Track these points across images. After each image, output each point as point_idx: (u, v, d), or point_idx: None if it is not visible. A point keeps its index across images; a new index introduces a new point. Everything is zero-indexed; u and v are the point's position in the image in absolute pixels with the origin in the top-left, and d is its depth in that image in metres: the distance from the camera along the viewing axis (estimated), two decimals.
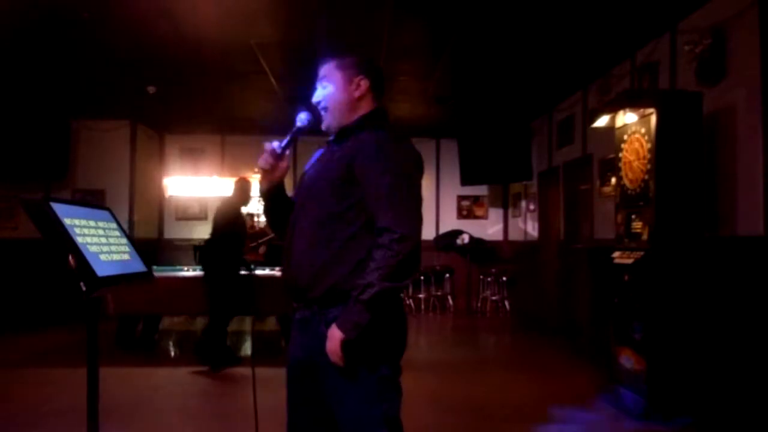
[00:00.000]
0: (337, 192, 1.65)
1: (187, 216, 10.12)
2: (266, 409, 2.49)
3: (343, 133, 1.76)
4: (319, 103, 1.80)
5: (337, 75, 1.78)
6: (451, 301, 9.47)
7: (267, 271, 6.29)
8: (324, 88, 1.80)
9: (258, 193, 1.87)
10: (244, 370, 5.39)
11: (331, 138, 1.82)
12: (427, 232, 9.87)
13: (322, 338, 1.60)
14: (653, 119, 3.94)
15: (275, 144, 1.77)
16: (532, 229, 8.77)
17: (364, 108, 1.78)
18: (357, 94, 1.77)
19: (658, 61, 5.03)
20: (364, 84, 1.78)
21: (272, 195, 1.84)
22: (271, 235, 8.96)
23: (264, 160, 1.77)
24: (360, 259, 1.60)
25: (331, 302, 1.62)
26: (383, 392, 1.63)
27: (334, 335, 1.55)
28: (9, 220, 8.36)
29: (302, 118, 1.83)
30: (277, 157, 1.78)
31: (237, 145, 10.06)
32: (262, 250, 8.47)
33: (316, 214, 1.67)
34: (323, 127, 1.81)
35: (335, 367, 1.59)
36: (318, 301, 1.65)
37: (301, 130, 1.83)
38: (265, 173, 1.80)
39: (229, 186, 10.01)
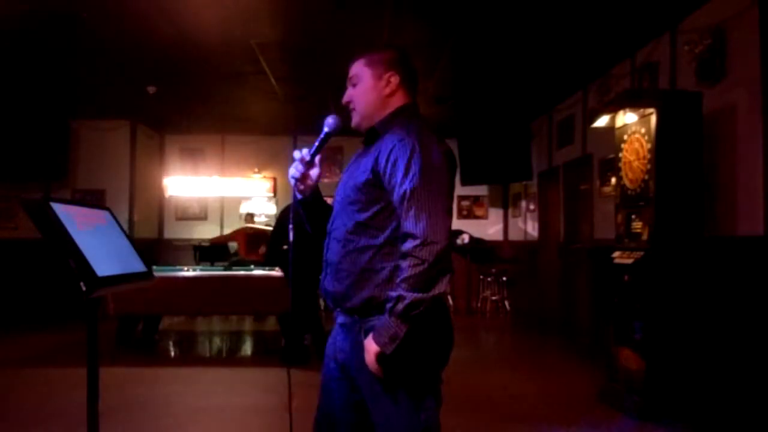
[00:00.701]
0: (364, 198, 1.60)
1: (187, 216, 10.13)
2: (267, 410, 2.50)
3: (372, 133, 1.70)
4: (349, 103, 1.74)
5: (366, 73, 1.70)
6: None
7: (266, 272, 6.29)
8: (353, 87, 1.72)
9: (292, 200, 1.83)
10: (245, 370, 5.39)
11: (363, 139, 1.76)
12: None
13: (361, 346, 1.58)
14: (653, 119, 3.93)
15: (304, 152, 1.73)
16: (532, 229, 8.77)
17: (395, 104, 1.71)
18: (387, 91, 1.70)
19: (658, 61, 5.03)
20: (395, 80, 1.70)
21: (308, 203, 1.80)
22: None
23: (294, 168, 1.73)
24: (395, 266, 1.55)
25: (369, 312, 1.59)
26: (422, 401, 1.59)
27: (370, 348, 1.52)
28: (9, 220, 8.36)
29: (329, 122, 1.76)
30: (307, 164, 1.74)
31: (237, 145, 10.07)
32: (261, 250, 8.49)
33: (348, 222, 1.63)
34: (353, 125, 1.75)
35: (374, 375, 1.55)
36: (357, 311, 1.61)
37: (329, 135, 1.76)
38: (298, 182, 1.76)
39: (229, 186, 10.06)
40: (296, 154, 1.73)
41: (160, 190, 9.83)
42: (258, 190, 10.06)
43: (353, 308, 1.61)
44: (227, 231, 9.60)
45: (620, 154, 4.37)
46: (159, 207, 10.02)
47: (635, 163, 4.15)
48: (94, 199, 8.42)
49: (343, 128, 1.77)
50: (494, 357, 6.46)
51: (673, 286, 3.86)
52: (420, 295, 1.46)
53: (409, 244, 1.49)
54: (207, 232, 9.87)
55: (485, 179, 9.16)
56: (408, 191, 1.51)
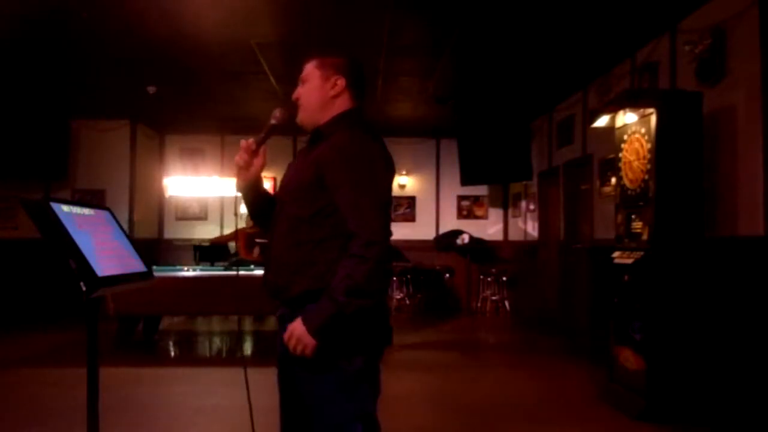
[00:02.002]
0: (307, 196, 1.68)
1: (187, 216, 10.12)
2: (268, 409, 2.49)
3: (317, 134, 1.79)
4: (297, 99, 1.83)
5: (315, 74, 1.81)
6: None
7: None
8: (302, 85, 1.83)
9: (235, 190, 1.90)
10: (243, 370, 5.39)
11: (307, 139, 1.85)
12: (427, 232, 9.88)
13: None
14: (653, 119, 3.93)
15: (250, 141, 1.80)
16: (532, 229, 8.77)
17: (339, 107, 1.80)
18: (332, 93, 1.79)
19: (658, 61, 5.02)
20: (341, 83, 1.79)
21: (249, 191, 1.87)
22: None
23: (239, 156, 1.79)
24: (332, 259, 1.63)
25: (305, 304, 1.65)
26: (357, 387, 1.66)
27: (296, 328, 1.59)
28: (9, 220, 8.36)
29: (276, 114, 1.83)
30: (252, 153, 1.80)
31: (237, 145, 9.84)
32: (256, 252, 8.49)
33: (290, 217, 1.71)
34: (297, 122, 1.83)
35: (307, 361, 1.61)
36: (294, 301, 1.70)
37: (276, 127, 1.84)
38: (241, 170, 1.82)
39: (229, 186, 10.05)
40: (242, 143, 1.80)
41: (160, 190, 9.83)
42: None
43: (291, 299, 1.71)
44: (227, 231, 9.60)
45: (620, 154, 4.37)
46: (159, 207, 10.02)
47: (635, 163, 4.15)
48: (94, 199, 8.41)
49: (290, 122, 1.84)
50: (494, 357, 6.46)
51: (673, 286, 3.86)
52: (362, 301, 1.57)
53: (354, 244, 1.58)
54: (207, 232, 9.87)
55: (485, 179, 9.15)
56: (350, 193, 1.62)
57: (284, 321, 1.75)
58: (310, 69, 1.83)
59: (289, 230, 1.71)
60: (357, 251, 1.57)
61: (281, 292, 1.74)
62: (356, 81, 1.83)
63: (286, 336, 1.62)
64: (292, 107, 1.85)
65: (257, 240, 8.64)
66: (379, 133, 1.77)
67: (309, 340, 1.58)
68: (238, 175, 1.84)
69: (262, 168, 1.84)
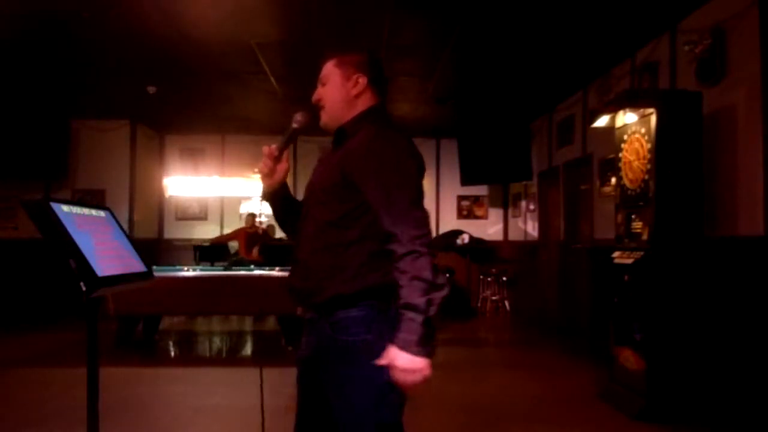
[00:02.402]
0: (334, 199, 1.62)
1: (187, 216, 10.13)
2: (268, 409, 2.49)
3: (341, 134, 1.74)
4: (318, 101, 1.78)
5: (335, 73, 1.75)
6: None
7: (266, 271, 6.29)
8: (323, 86, 1.78)
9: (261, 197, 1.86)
10: (244, 370, 5.39)
11: (332, 139, 1.79)
12: None
13: (327, 338, 1.61)
14: (653, 119, 3.93)
15: (272, 147, 1.76)
16: (532, 229, 8.77)
17: (362, 105, 1.74)
18: (354, 92, 1.73)
19: (658, 61, 5.03)
20: (362, 81, 1.73)
21: (275, 198, 1.83)
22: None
23: (263, 163, 1.76)
24: (361, 263, 1.58)
25: (335, 308, 1.60)
26: (385, 396, 1.57)
27: (398, 360, 1.48)
28: (9, 220, 8.36)
29: (297, 118, 1.80)
30: (275, 159, 1.76)
31: (237, 145, 10.06)
32: (255, 251, 8.50)
33: (317, 221, 1.65)
34: (321, 124, 1.78)
35: (338, 368, 1.58)
36: (323, 306, 1.63)
37: (298, 131, 1.80)
38: (265, 177, 1.78)
39: (229, 186, 10.07)
40: (264, 149, 1.76)
41: (160, 190, 9.83)
42: (258, 190, 10.03)
43: (320, 305, 1.63)
44: (227, 231, 9.61)
45: (620, 154, 4.37)
46: (159, 207, 10.02)
47: (635, 163, 4.15)
48: (94, 199, 8.42)
49: (312, 125, 1.80)
50: (494, 357, 6.46)
51: (673, 286, 3.86)
52: (440, 293, 1.48)
53: (396, 244, 1.50)
54: (207, 232, 9.87)
55: (485, 179, 9.16)
56: (382, 190, 1.55)
57: (312, 325, 1.70)
58: (330, 68, 1.76)
59: (316, 234, 1.64)
60: (406, 248, 1.49)
61: (309, 297, 1.66)
62: (377, 77, 1.77)
63: (398, 378, 1.48)
64: (313, 110, 1.80)
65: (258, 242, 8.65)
66: (404, 129, 1.71)
67: (420, 363, 1.46)
68: (263, 182, 1.79)
69: (286, 173, 1.78)
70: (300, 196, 1.83)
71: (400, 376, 1.49)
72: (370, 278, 1.57)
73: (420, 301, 1.46)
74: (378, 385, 1.55)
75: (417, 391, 1.53)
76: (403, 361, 1.46)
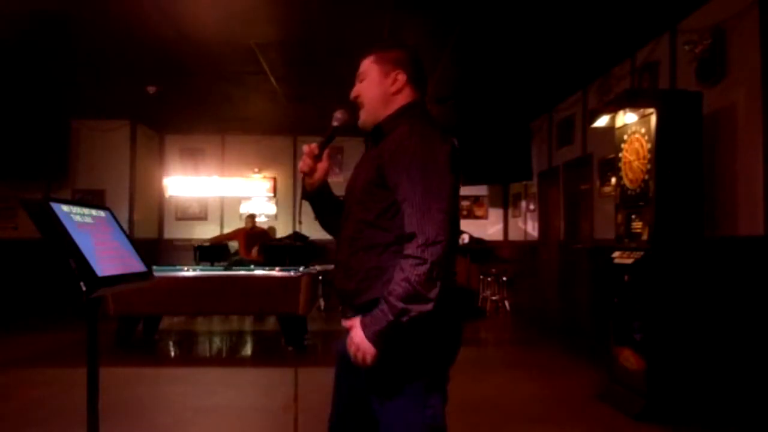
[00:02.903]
0: (371, 197, 1.60)
1: (187, 216, 10.13)
2: (267, 408, 2.50)
3: (378, 131, 1.71)
4: (356, 98, 1.75)
5: (373, 69, 1.72)
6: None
7: (266, 271, 6.29)
8: (360, 82, 1.74)
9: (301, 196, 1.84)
10: (244, 370, 5.39)
11: (369, 136, 1.77)
12: None
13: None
14: (653, 119, 3.93)
15: (313, 145, 1.75)
16: (532, 229, 8.77)
17: (400, 102, 1.71)
18: (393, 89, 1.70)
19: (658, 61, 5.03)
20: (401, 78, 1.71)
21: (316, 197, 1.81)
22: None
23: (303, 162, 1.74)
24: None
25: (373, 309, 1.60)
26: (428, 398, 1.57)
27: (356, 334, 1.52)
28: (9, 220, 8.36)
29: (338, 116, 1.78)
30: (316, 158, 1.75)
31: (237, 145, 10.07)
32: (255, 252, 8.50)
33: (356, 221, 1.64)
34: (359, 124, 1.75)
35: (379, 369, 1.54)
36: (364, 307, 1.59)
37: (338, 129, 1.78)
38: (306, 176, 1.77)
39: (229, 186, 10.07)
40: (305, 148, 1.74)
41: (160, 190, 9.84)
42: (258, 190, 10.06)
43: (361, 306, 1.60)
44: (227, 231, 9.61)
45: (620, 154, 4.37)
46: (159, 207, 10.03)
47: (635, 163, 4.15)
48: (94, 199, 8.42)
49: (352, 123, 1.77)
50: (494, 357, 6.46)
51: (673, 286, 3.86)
52: (418, 308, 1.46)
53: (413, 245, 1.48)
54: (207, 232, 9.88)
55: (485, 179, 9.16)
56: (409, 189, 1.51)
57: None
58: (368, 65, 1.73)
59: (355, 234, 1.63)
60: (413, 252, 1.46)
61: (351, 298, 1.64)
62: (417, 73, 1.75)
63: (348, 342, 1.53)
64: (352, 107, 1.77)
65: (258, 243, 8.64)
66: (443, 126, 1.68)
67: (368, 348, 1.49)
68: (305, 182, 1.78)
69: (326, 172, 1.77)
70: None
71: (348, 343, 1.52)
72: None
73: (398, 304, 1.45)
74: (420, 386, 1.56)
75: None
76: (357, 337, 1.50)
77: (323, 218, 1.84)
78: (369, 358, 1.49)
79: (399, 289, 1.46)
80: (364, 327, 1.50)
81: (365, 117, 1.73)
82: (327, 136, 1.76)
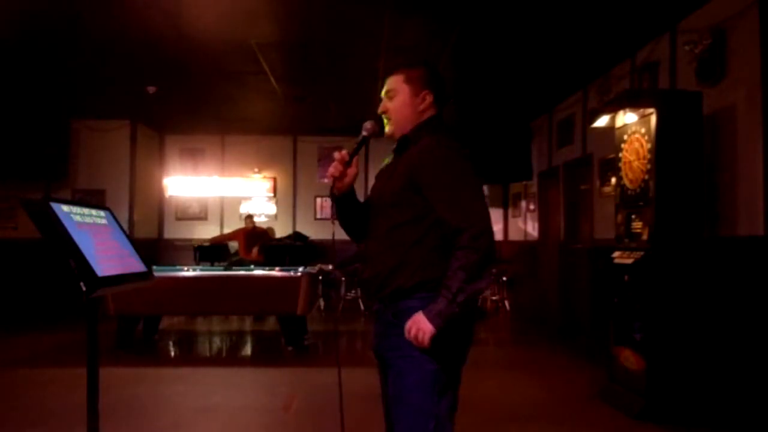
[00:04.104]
0: (402, 201, 1.79)
1: (187, 216, 10.13)
2: (266, 408, 2.50)
3: (404, 141, 1.89)
4: (385, 113, 1.93)
5: (404, 88, 1.89)
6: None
7: (266, 271, 6.29)
8: (389, 100, 1.91)
9: (329, 198, 2.00)
10: (244, 370, 5.39)
11: (394, 147, 1.96)
12: None
13: (390, 326, 1.79)
14: (653, 119, 3.93)
15: (344, 153, 1.88)
16: (532, 229, 8.77)
17: (426, 116, 1.91)
18: (422, 107, 1.90)
19: (658, 61, 5.02)
20: (429, 98, 1.89)
21: (343, 201, 1.94)
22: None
23: (334, 167, 1.87)
24: (423, 258, 1.76)
25: (397, 298, 1.78)
26: (439, 386, 1.75)
27: (418, 318, 1.68)
28: (9, 220, 8.36)
29: (367, 127, 1.92)
30: (346, 164, 1.87)
31: (237, 145, 10.07)
32: (255, 252, 8.50)
33: (388, 222, 1.82)
34: (387, 133, 1.94)
35: (398, 354, 1.73)
36: (389, 297, 1.81)
37: (367, 139, 1.93)
38: (336, 180, 1.89)
39: (229, 186, 10.07)
40: (336, 154, 1.88)
41: (160, 190, 9.84)
42: (258, 190, 10.06)
43: (385, 295, 1.81)
44: (227, 231, 9.61)
45: (620, 154, 4.37)
46: (159, 207, 10.03)
47: (635, 163, 4.15)
48: (94, 199, 8.42)
49: (380, 134, 1.95)
50: (494, 357, 6.46)
51: (673, 286, 3.86)
52: (477, 286, 1.68)
53: (465, 237, 1.68)
54: (207, 232, 9.88)
55: (485, 179, 9.14)
56: (447, 191, 1.74)
57: (379, 316, 1.87)
58: (398, 83, 1.90)
59: (387, 234, 1.81)
60: (466, 243, 1.67)
61: (379, 290, 1.83)
62: (441, 91, 1.93)
63: (407, 326, 1.69)
64: (379, 118, 1.94)
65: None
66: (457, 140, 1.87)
67: (427, 326, 1.65)
68: (334, 185, 1.91)
69: (355, 177, 1.91)
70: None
71: (409, 327, 1.69)
72: (428, 273, 1.74)
73: (454, 284, 1.65)
74: (429, 370, 1.73)
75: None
76: (418, 318, 1.68)
77: (346, 220, 2.00)
78: (426, 337, 1.66)
79: (456, 277, 1.66)
80: (426, 311, 1.67)
81: (393, 129, 1.93)
82: (358, 144, 1.92)
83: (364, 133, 1.92)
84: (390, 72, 1.95)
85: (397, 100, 1.90)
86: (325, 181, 2.02)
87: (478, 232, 1.68)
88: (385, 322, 1.83)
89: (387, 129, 1.93)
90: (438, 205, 1.74)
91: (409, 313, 1.73)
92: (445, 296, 1.66)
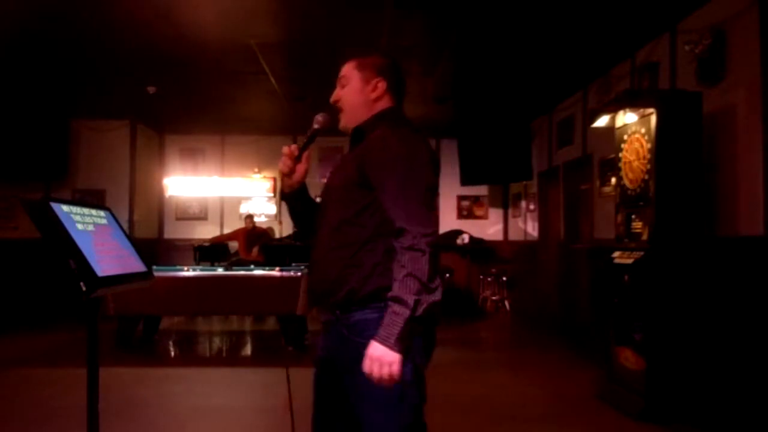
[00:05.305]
0: (350, 196, 1.65)
1: (187, 216, 10.13)
2: (265, 409, 2.50)
3: (358, 134, 1.77)
4: (336, 102, 1.81)
5: (355, 75, 1.78)
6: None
7: (266, 271, 6.29)
8: (342, 87, 1.80)
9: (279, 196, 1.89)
10: (244, 370, 5.39)
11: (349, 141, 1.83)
12: None
13: (344, 340, 1.62)
14: (653, 119, 3.93)
15: (293, 147, 1.79)
16: (532, 229, 8.77)
17: (380, 107, 1.78)
18: (374, 96, 1.77)
19: (658, 61, 5.02)
20: (382, 86, 1.77)
21: (294, 198, 1.85)
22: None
23: (283, 163, 1.78)
24: (376, 262, 1.60)
25: (350, 307, 1.62)
26: (405, 396, 1.57)
27: (374, 352, 1.49)
28: (9, 220, 8.36)
29: (319, 119, 1.83)
30: (296, 159, 1.79)
31: (237, 145, 10.07)
32: (254, 252, 8.49)
33: (333, 220, 1.68)
34: (340, 127, 1.81)
35: (356, 368, 1.54)
36: (339, 305, 1.64)
37: (318, 132, 1.83)
38: (285, 176, 1.81)
39: (229, 186, 10.07)
40: (285, 149, 1.79)
41: (160, 190, 9.83)
42: (258, 190, 10.06)
43: (335, 303, 1.64)
44: (227, 231, 9.61)
45: (620, 154, 4.37)
46: (159, 207, 10.02)
47: (635, 163, 4.15)
48: (94, 199, 8.41)
49: (332, 126, 1.83)
50: (494, 357, 6.46)
51: (674, 286, 3.86)
52: (434, 298, 1.50)
53: (404, 239, 1.52)
54: (207, 232, 9.87)
55: (485, 179, 9.13)
56: (395, 189, 1.57)
57: (328, 327, 1.71)
58: (350, 70, 1.79)
59: (332, 233, 1.67)
60: (410, 243, 1.50)
61: (326, 297, 1.67)
62: (396, 82, 1.81)
63: (366, 366, 1.49)
64: (332, 112, 1.83)
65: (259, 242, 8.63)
66: (419, 129, 1.75)
67: (393, 357, 1.47)
68: (283, 182, 1.82)
69: (305, 174, 1.82)
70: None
71: (369, 366, 1.49)
72: (385, 279, 1.56)
73: (410, 298, 1.47)
74: (398, 385, 1.54)
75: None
76: (377, 352, 1.48)
77: (299, 219, 1.89)
78: (396, 367, 1.47)
79: (407, 286, 1.48)
80: (381, 339, 1.48)
81: (345, 121, 1.79)
82: (308, 138, 1.80)
83: (316, 126, 1.82)
84: (344, 60, 1.83)
85: (349, 88, 1.77)
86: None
87: (421, 233, 1.51)
88: (338, 336, 1.65)
89: (340, 121, 1.80)
90: (384, 201, 1.59)
91: (366, 326, 1.56)
92: (400, 313, 1.46)
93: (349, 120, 1.79)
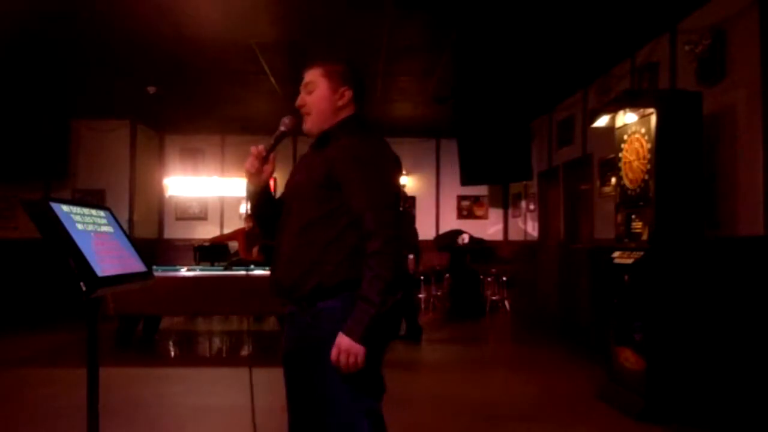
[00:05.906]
0: (318, 197, 1.74)
1: (187, 216, 10.13)
2: (263, 409, 2.49)
3: (324, 138, 1.84)
4: (302, 107, 1.87)
5: (322, 83, 1.84)
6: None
7: (266, 271, 6.28)
8: (308, 94, 1.86)
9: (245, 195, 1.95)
10: (244, 370, 5.39)
11: (312, 143, 1.90)
12: (428, 232, 9.88)
13: (308, 328, 1.73)
14: (653, 119, 3.93)
15: (260, 147, 1.84)
16: (532, 229, 8.77)
17: (344, 114, 1.85)
18: (340, 103, 1.84)
19: (658, 61, 5.03)
20: (348, 94, 1.84)
21: (259, 197, 1.91)
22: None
23: (249, 163, 1.83)
24: (343, 259, 1.70)
25: (317, 298, 1.72)
26: (367, 385, 1.71)
27: (341, 343, 1.63)
28: (9, 220, 8.36)
29: (286, 122, 1.88)
30: (263, 160, 1.84)
31: (237, 145, 10.07)
32: (254, 252, 8.49)
33: (300, 219, 1.76)
34: (304, 130, 1.87)
35: (320, 358, 1.66)
36: (305, 298, 1.74)
37: (285, 134, 1.89)
38: (251, 176, 1.86)
39: (229, 186, 10.07)
40: (252, 149, 1.84)
41: (160, 190, 9.83)
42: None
43: (301, 297, 1.75)
44: (227, 231, 9.61)
45: (620, 154, 4.37)
46: (159, 207, 10.02)
47: (635, 163, 4.15)
48: (94, 199, 8.41)
49: (298, 129, 1.89)
50: (494, 357, 6.46)
51: (674, 286, 3.85)
52: (394, 298, 1.64)
53: (372, 243, 1.64)
54: (207, 232, 9.88)
55: (485, 179, 9.13)
56: (363, 193, 1.69)
57: (292, 319, 1.81)
58: (316, 77, 1.85)
59: (299, 231, 1.75)
60: (378, 248, 1.64)
61: (291, 291, 1.77)
62: (360, 89, 1.89)
63: (333, 355, 1.62)
64: (299, 114, 1.89)
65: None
66: (381, 134, 1.85)
67: (358, 349, 1.61)
68: (249, 181, 1.88)
69: (271, 174, 1.88)
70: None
71: (337, 355, 1.62)
72: (350, 272, 1.69)
73: (376, 298, 1.61)
74: (362, 373, 1.66)
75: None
76: (344, 343, 1.62)
77: (262, 216, 1.96)
78: (360, 358, 1.62)
79: (374, 287, 1.62)
80: (349, 332, 1.62)
81: (311, 126, 1.86)
82: (275, 140, 1.86)
83: (282, 128, 1.88)
84: (308, 65, 1.88)
85: (315, 95, 1.84)
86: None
87: (388, 237, 1.65)
88: (302, 325, 1.76)
89: (305, 125, 1.87)
90: (353, 205, 1.70)
91: (329, 314, 1.68)
92: (366, 311, 1.61)
93: (314, 125, 1.85)
